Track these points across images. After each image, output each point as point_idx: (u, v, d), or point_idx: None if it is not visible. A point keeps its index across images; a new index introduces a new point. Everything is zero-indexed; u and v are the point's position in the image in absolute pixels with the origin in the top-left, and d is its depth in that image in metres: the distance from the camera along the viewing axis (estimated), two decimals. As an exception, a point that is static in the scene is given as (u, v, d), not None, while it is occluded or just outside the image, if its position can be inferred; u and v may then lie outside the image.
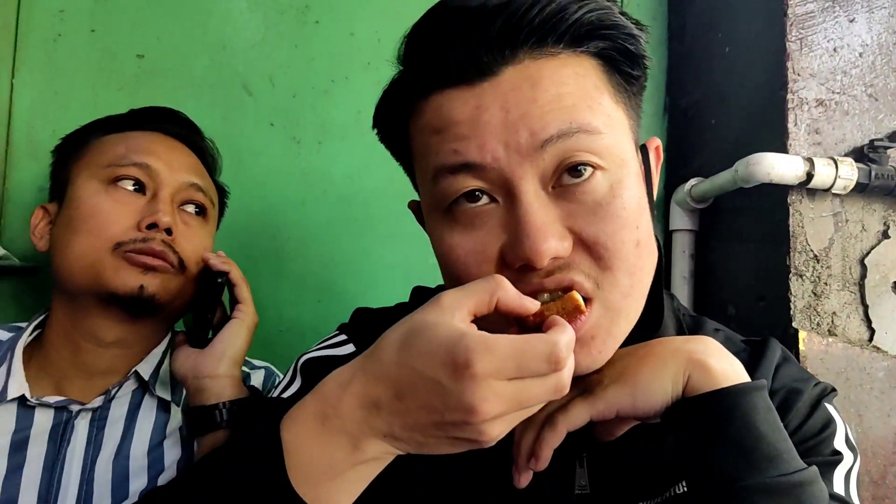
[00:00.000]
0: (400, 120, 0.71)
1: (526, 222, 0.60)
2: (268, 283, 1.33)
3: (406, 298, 0.91)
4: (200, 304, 1.03)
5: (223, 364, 0.96)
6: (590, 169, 0.62)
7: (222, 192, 1.16)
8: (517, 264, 0.61)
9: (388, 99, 0.73)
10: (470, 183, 0.63)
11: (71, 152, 1.05)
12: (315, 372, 0.79)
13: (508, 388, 0.53)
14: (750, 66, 1.31)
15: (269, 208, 1.35)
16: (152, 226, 0.97)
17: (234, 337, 0.99)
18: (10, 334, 1.02)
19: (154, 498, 0.65)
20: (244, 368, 1.11)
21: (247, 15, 1.38)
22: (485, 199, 0.64)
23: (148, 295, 0.95)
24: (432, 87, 0.65)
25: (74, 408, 0.96)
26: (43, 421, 0.95)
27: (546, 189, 0.63)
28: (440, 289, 0.90)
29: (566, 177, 0.62)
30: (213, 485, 0.60)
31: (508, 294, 0.56)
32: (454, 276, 0.66)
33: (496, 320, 0.57)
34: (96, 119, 1.08)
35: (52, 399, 0.95)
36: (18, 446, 0.93)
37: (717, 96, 1.40)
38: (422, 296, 0.89)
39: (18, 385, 0.94)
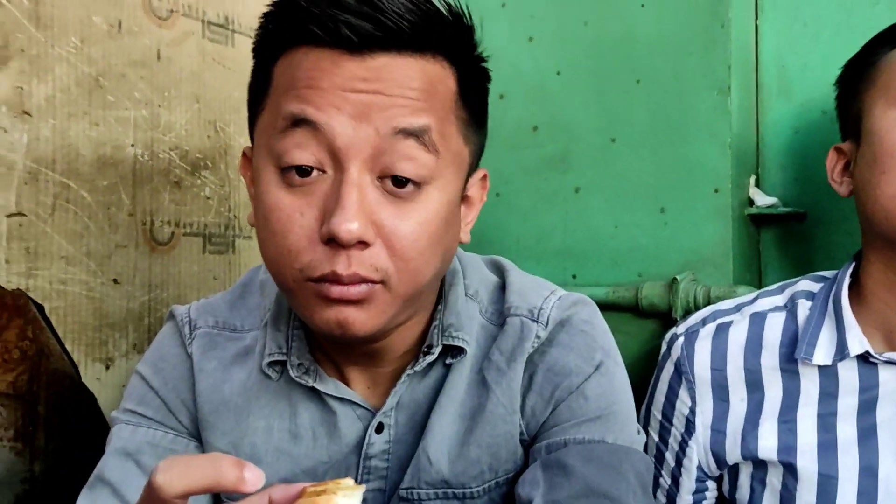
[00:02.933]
0: None
1: None
2: None
3: None
4: None
5: None
6: None
7: None
8: None
9: None
10: None
11: (856, 79, 0.93)
12: None
13: None
14: None
15: None
16: None
17: None
18: (819, 285, 0.95)
19: None
20: None
21: None
22: None
23: None
24: None
25: None
26: (889, 380, 0.85)
27: None
28: None
29: None
30: None
31: None
32: None
33: None
34: (880, 31, 0.92)
35: (896, 355, 0.85)
36: (867, 407, 0.86)
37: None
38: None
39: (858, 340, 0.86)
